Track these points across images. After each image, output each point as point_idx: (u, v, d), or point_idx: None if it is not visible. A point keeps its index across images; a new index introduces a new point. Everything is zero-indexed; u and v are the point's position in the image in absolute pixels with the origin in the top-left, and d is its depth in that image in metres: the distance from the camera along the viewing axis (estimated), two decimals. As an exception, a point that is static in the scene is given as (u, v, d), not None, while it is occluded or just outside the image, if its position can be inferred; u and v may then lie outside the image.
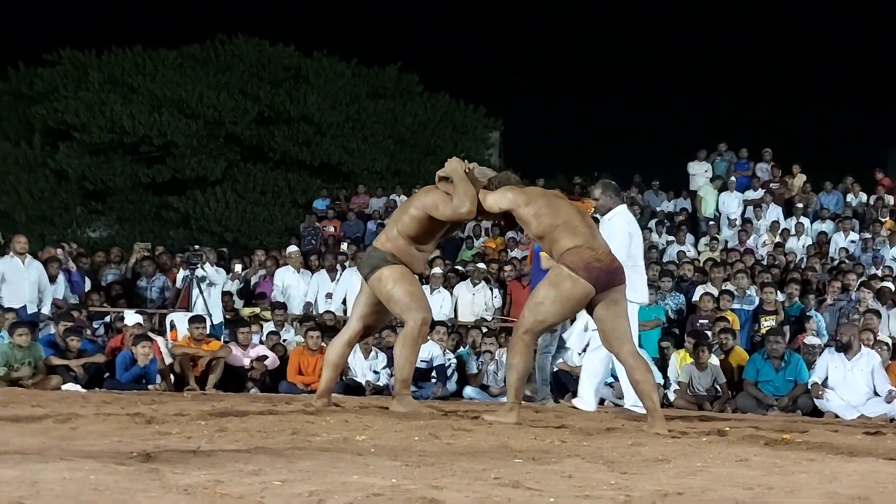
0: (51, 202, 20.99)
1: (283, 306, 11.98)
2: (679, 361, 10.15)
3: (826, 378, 9.30)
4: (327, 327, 10.77)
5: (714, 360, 9.95)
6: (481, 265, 13.03)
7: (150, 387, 9.40)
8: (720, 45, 27.06)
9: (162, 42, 23.00)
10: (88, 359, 9.70)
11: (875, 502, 2.76)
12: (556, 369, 10.24)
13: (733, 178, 17.74)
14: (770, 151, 18.28)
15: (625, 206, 7.49)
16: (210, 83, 21.80)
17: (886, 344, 10.19)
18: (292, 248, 13.66)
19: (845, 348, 9.23)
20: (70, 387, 9.06)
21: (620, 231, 7.07)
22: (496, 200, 5.87)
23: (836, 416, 8.93)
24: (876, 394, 9.19)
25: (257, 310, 12.30)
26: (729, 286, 11.99)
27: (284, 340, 11.19)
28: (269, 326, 11.59)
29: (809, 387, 9.29)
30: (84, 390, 8.90)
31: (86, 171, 21.13)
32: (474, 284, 12.50)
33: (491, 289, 12.65)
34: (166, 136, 21.10)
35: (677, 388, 9.95)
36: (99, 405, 6.00)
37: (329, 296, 12.59)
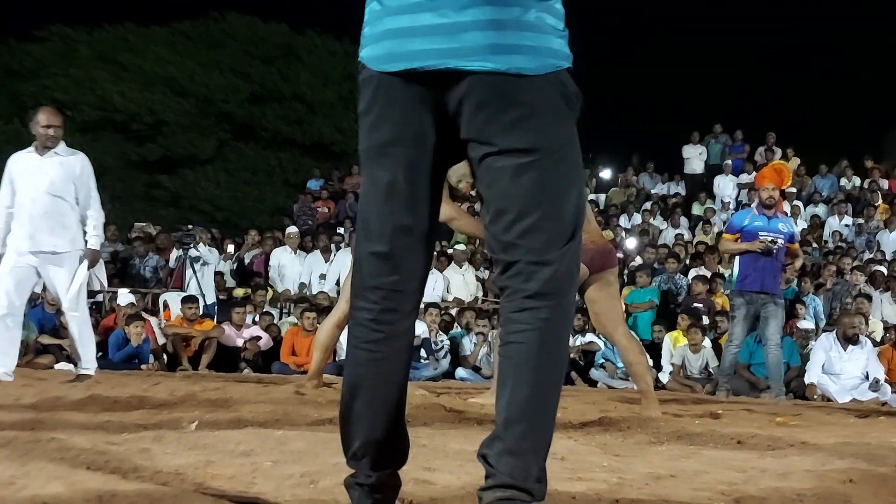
0: (41, 180, 20.86)
1: (265, 289, 12.03)
2: (672, 343, 10.17)
3: (822, 364, 9.28)
4: (321, 308, 10.77)
5: (707, 343, 9.96)
6: (460, 247, 13.05)
7: (142, 367, 9.39)
8: (719, 26, 26.96)
9: (153, 19, 22.87)
10: (80, 338, 9.65)
11: (866, 486, 2.76)
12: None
13: (729, 162, 17.73)
14: (773, 135, 18.17)
15: None
16: (201, 61, 21.69)
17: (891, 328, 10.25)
18: (293, 229, 13.67)
19: (851, 341, 9.14)
20: (62, 366, 9.03)
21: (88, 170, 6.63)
22: None
23: (827, 399, 8.95)
24: (867, 379, 9.21)
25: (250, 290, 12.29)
26: (721, 269, 12.00)
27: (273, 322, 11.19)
28: (264, 307, 11.61)
29: (806, 385, 9.25)
30: (76, 370, 8.87)
31: (75, 148, 21.02)
32: (460, 266, 12.58)
33: (477, 267, 12.75)
34: (157, 115, 21.01)
35: (671, 369, 9.97)
36: (90, 385, 5.98)
37: (323, 277, 12.60)
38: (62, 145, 6.60)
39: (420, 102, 1.97)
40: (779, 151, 18.02)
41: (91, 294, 11.80)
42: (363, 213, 2.08)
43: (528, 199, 1.91)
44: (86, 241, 6.54)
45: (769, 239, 8.03)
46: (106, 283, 7.27)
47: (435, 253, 12.75)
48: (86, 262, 6.52)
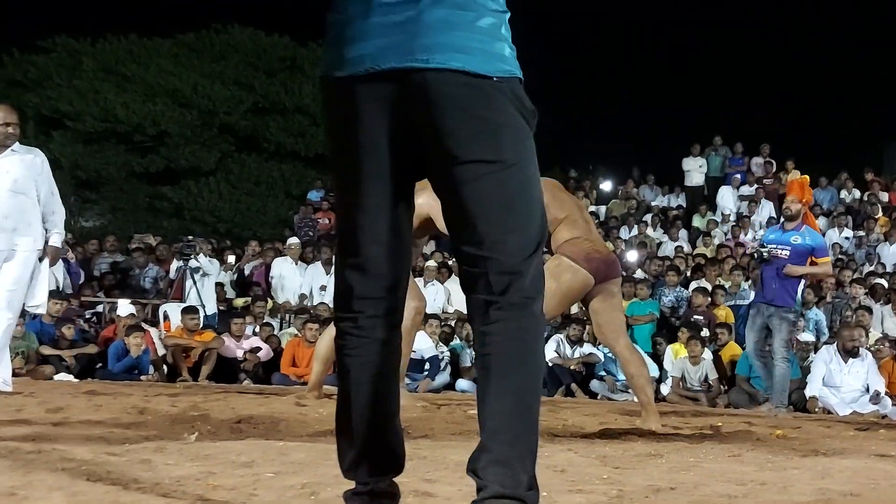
0: (44, 191, 20.87)
1: (265, 300, 12.04)
2: (673, 355, 10.16)
3: (823, 376, 9.25)
4: (322, 319, 10.77)
5: (707, 355, 9.96)
6: None
7: (142, 377, 9.39)
8: (719, 40, 27.03)
9: (156, 30, 22.87)
10: (81, 349, 9.68)
11: (866, 499, 2.76)
12: (551, 364, 10.23)
13: (738, 175, 17.73)
14: (768, 146, 18.23)
15: None
16: (205, 73, 21.71)
17: (890, 340, 10.21)
18: (294, 240, 13.69)
19: (852, 353, 9.13)
20: (62, 377, 9.04)
21: None
22: None
23: (828, 412, 8.94)
24: (868, 391, 9.20)
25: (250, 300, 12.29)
26: (722, 282, 12.01)
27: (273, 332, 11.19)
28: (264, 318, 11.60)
29: (807, 398, 9.24)
30: (76, 380, 8.88)
31: (79, 160, 21.06)
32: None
33: None
34: (160, 126, 21.03)
35: (670, 381, 9.96)
36: (90, 395, 5.98)
37: (324, 288, 12.61)
38: (17, 143, 6.44)
39: (381, 108, 1.96)
40: (775, 163, 18.05)
41: (91, 304, 11.84)
42: (339, 225, 2.10)
43: (495, 210, 1.92)
44: (47, 240, 6.42)
45: (760, 244, 8.05)
46: (62, 282, 7.00)
47: (436, 264, 12.82)
48: (46, 260, 6.39)
